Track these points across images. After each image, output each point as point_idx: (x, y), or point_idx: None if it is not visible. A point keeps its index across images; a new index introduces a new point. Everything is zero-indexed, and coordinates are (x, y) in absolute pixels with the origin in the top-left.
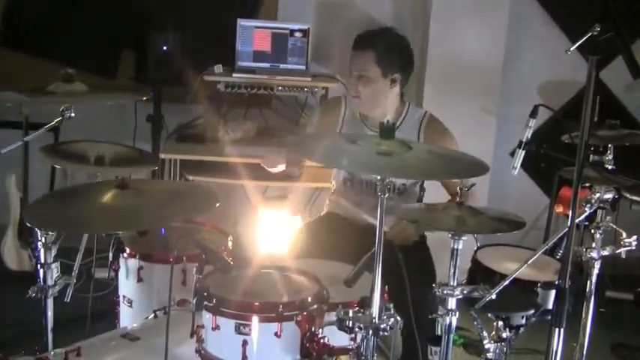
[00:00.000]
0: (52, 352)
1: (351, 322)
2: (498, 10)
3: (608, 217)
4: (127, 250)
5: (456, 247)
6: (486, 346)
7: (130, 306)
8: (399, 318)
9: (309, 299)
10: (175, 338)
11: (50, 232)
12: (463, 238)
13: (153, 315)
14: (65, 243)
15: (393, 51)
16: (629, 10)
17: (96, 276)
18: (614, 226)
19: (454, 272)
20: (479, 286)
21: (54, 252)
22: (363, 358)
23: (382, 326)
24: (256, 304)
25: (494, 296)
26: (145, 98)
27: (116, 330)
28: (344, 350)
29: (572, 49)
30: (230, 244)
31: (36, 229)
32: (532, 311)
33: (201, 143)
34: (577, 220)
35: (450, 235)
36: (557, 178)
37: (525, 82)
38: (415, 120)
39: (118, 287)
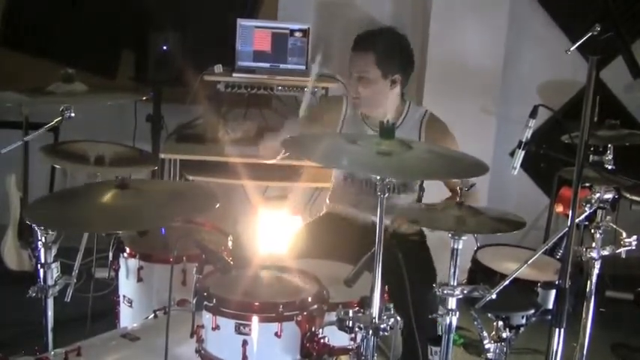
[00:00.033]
0: (52, 352)
1: (351, 322)
2: (498, 10)
3: (608, 217)
4: (127, 250)
5: (456, 247)
6: (486, 346)
7: (130, 306)
8: (399, 318)
9: (309, 299)
10: (175, 338)
11: (50, 232)
12: (463, 238)
13: (153, 315)
14: (65, 243)
15: (393, 52)
16: (629, 10)
17: (96, 276)
18: (614, 226)
19: (454, 272)
20: (479, 286)
21: (54, 252)
22: (363, 358)
23: (382, 326)
24: (256, 304)
25: (494, 296)
26: (144, 98)
27: (116, 330)
28: (344, 350)
29: (572, 49)
30: (230, 244)
31: (36, 229)
32: (532, 311)
33: (201, 143)
34: (577, 220)
35: (449, 235)
36: (557, 179)
37: (525, 82)
38: (416, 119)
39: (118, 287)
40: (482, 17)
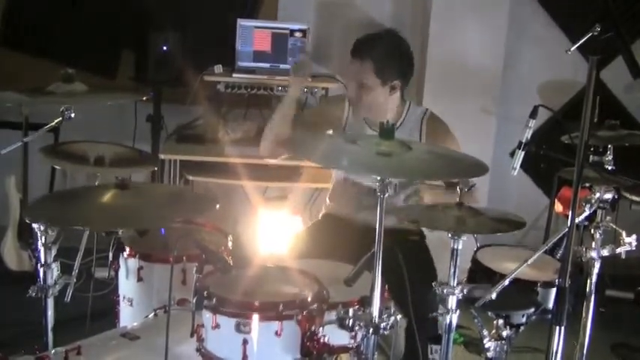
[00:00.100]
0: (53, 351)
1: (351, 320)
2: (498, 10)
3: (608, 217)
4: (127, 249)
5: (455, 247)
6: (487, 345)
7: (130, 305)
8: (399, 317)
9: (310, 298)
10: (175, 337)
11: (50, 232)
12: (463, 238)
13: (153, 314)
14: (65, 243)
15: (392, 59)
16: (629, 10)
17: (96, 276)
18: (614, 226)
19: (454, 272)
20: (479, 285)
21: (54, 252)
22: (363, 356)
23: (382, 325)
24: (256, 303)
25: (494, 296)
26: (144, 98)
27: (116, 329)
28: (344, 349)
29: (572, 49)
30: (230, 244)
31: (36, 229)
32: (532, 310)
33: (201, 144)
34: (577, 220)
35: (449, 235)
36: (557, 179)
37: (525, 82)
38: (416, 119)
39: (117, 287)
40: (482, 17)
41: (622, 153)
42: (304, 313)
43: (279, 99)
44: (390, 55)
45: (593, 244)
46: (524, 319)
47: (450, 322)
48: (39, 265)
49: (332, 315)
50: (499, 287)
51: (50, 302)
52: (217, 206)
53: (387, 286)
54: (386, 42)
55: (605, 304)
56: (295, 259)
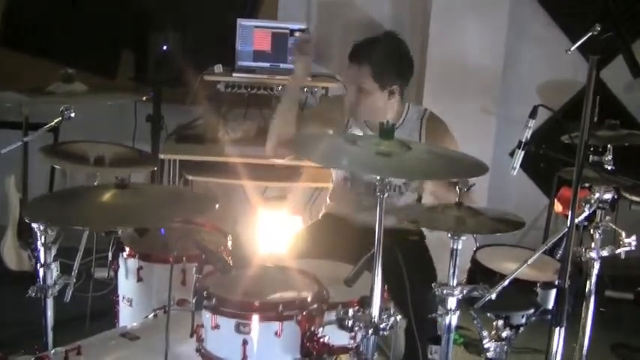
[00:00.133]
0: (53, 351)
1: (350, 321)
2: (498, 10)
3: (608, 217)
4: (127, 249)
5: (455, 247)
6: (486, 345)
7: (130, 305)
8: (399, 318)
9: (309, 299)
10: (175, 337)
11: (50, 232)
12: (462, 238)
13: (153, 314)
14: (65, 243)
15: (391, 63)
16: (629, 10)
17: (95, 276)
18: (614, 226)
19: (454, 272)
20: (479, 286)
21: (53, 252)
22: (363, 357)
23: (382, 325)
24: (256, 303)
25: (493, 296)
26: (144, 98)
27: (116, 329)
28: (344, 349)
29: (572, 49)
30: (229, 244)
31: (35, 228)
32: (532, 310)
33: (200, 143)
34: (576, 221)
35: (449, 236)
36: (557, 179)
37: (525, 82)
38: (416, 118)
39: (117, 287)
40: (482, 17)
41: (622, 153)
42: (304, 313)
43: (279, 99)
44: (389, 59)
45: (593, 244)
46: (523, 320)
47: (450, 322)
48: (39, 265)
49: (332, 315)
50: (499, 288)
51: (50, 302)
52: (217, 206)
53: (386, 287)
54: (384, 46)
55: (604, 305)
56: (295, 259)
